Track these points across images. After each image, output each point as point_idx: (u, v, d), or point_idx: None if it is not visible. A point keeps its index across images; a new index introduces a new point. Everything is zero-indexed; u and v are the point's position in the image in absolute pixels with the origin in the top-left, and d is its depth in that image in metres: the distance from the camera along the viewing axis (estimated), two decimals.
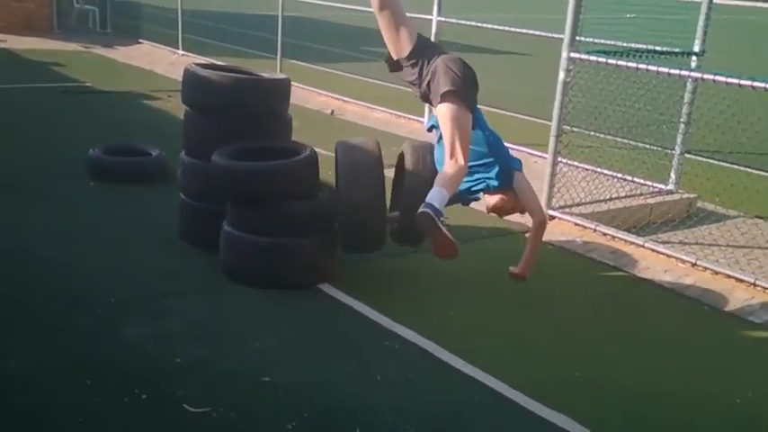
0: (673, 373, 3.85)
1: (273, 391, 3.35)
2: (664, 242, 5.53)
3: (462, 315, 4.28)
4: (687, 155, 6.70)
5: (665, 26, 7.10)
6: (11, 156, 6.54)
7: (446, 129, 3.93)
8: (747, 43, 19.56)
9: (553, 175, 5.93)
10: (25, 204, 5.43)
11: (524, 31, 8.70)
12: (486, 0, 26.36)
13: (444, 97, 3.91)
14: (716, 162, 7.87)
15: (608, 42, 6.49)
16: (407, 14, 4.21)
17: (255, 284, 4.29)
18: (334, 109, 9.82)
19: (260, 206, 4.29)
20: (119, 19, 15.77)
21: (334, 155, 4.48)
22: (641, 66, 5.35)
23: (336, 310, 4.21)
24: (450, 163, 3.90)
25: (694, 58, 6.19)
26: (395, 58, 4.13)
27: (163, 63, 12.23)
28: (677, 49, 6.25)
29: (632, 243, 5.47)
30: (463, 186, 4.18)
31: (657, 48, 6.11)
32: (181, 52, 12.98)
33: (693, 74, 5.36)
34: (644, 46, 6.10)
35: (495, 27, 8.90)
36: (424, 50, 4.07)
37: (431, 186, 3.87)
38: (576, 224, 5.78)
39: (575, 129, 6.10)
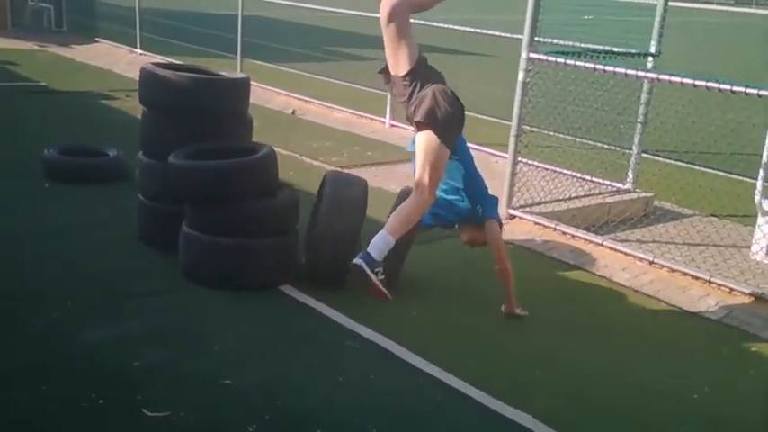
0: (631, 369, 3.90)
1: (234, 393, 3.32)
2: (622, 240, 5.61)
3: (422, 314, 4.29)
4: (644, 154, 6.81)
5: (622, 27, 7.20)
6: None
7: (419, 159, 3.94)
8: (702, 45, 19.95)
9: (513, 174, 5.98)
10: None
11: (484, 31, 8.77)
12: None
13: (425, 127, 3.89)
14: (672, 162, 8.02)
15: (567, 43, 6.57)
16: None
17: (215, 286, 4.25)
18: (296, 109, 9.78)
19: (217, 206, 4.25)
20: (75, 17, 15.48)
21: (317, 183, 4.49)
22: (599, 66, 5.43)
23: (297, 310, 4.19)
24: (414, 194, 3.94)
25: (650, 59, 6.29)
26: (392, 72, 4.02)
27: (121, 62, 12.05)
28: (634, 51, 6.35)
29: (591, 242, 5.54)
30: (439, 212, 4.36)
31: (615, 49, 6.19)
32: (139, 51, 12.81)
33: (650, 74, 5.45)
34: (602, 47, 6.18)
35: (455, 27, 8.95)
36: (420, 74, 3.95)
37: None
38: (536, 223, 5.84)
39: (534, 129, 6.16)
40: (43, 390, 3.21)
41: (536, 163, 6.58)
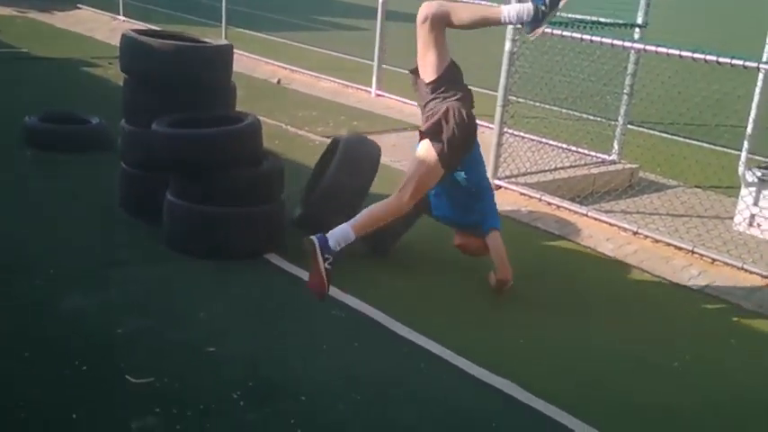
0: (613, 338, 3.93)
1: (218, 360, 3.32)
2: (606, 211, 5.63)
3: (410, 285, 4.29)
4: (630, 126, 6.81)
5: None
6: None
7: (412, 166, 3.92)
8: (689, 16, 19.92)
9: (499, 145, 5.97)
10: None
11: (471, 1, 8.67)
12: None
13: (427, 139, 3.83)
14: (657, 133, 8.03)
15: None
16: None
17: (199, 254, 4.23)
18: (281, 78, 9.69)
19: (202, 175, 4.22)
20: None
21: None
22: (585, 37, 5.40)
23: (282, 279, 4.18)
24: (393, 196, 3.88)
25: (637, 29, 6.27)
26: (420, 75, 3.91)
27: (103, 29, 11.88)
28: (621, 21, 6.32)
29: (576, 212, 5.56)
30: (446, 213, 4.39)
31: (602, 19, 6.16)
32: (122, 18, 12.61)
33: (636, 45, 5.43)
34: (589, 17, 6.15)
35: None
36: (444, 86, 3.84)
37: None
38: (522, 194, 5.84)
39: (520, 99, 6.14)
40: (26, 356, 3.20)
41: (522, 134, 6.58)
